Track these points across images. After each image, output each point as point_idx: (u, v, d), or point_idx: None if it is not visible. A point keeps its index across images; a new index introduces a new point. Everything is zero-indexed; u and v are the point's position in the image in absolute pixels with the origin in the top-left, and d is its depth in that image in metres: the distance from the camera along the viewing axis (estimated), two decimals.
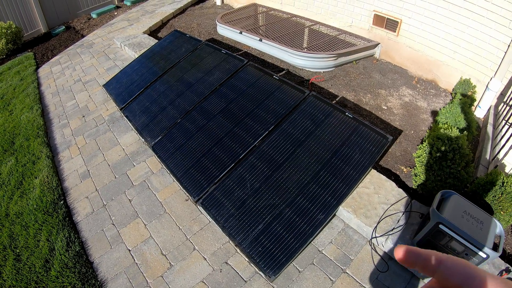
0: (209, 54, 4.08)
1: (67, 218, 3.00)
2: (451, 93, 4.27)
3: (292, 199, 2.53)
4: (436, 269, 0.37)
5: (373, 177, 2.78)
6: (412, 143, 3.44)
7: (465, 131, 3.10)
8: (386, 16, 4.68)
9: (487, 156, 3.34)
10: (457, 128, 3.22)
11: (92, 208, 3.04)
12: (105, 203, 3.05)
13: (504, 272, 2.19)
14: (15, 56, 6.64)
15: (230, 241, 2.57)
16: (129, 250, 2.64)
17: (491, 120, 3.80)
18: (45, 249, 2.81)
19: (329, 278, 2.31)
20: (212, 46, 4.22)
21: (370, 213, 2.53)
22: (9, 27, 6.46)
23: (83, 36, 6.79)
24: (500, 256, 2.36)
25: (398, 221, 2.48)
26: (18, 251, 2.89)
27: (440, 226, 2.05)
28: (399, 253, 0.40)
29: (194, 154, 3.03)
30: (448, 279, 0.35)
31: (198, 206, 2.83)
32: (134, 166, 3.34)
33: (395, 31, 4.67)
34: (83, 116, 4.21)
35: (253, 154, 2.84)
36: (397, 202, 2.61)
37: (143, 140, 3.58)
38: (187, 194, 2.92)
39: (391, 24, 4.69)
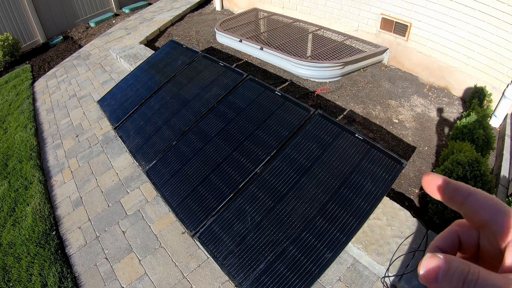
0: (206, 67, 3.86)
1: (59, 251, 2.84)
2: (466, 102, 3.99)
3: (297, 235, 2.31)
4: (465, 201, 0.34)
5: (386, 206, 2.54)
6: (426, 161, 3.18)
7: (486, 154, 2.85)
8: (395, 20, 4.40)
9: (506, 174, 3.08)
10: (476, 144, 2.96)
11: (85, 240, 2.86)
12: (98, 235, 2.87)
13: None
14: (13, 69, 6.52)
15: (230, 280, 2.37)
16: None
17: (508, 131, 3.52)
18: (37, 285, 2.68)
19: None
20: (210, 58, 3.99)
21: (382, 249, 2.30)
22: (6, 39, 6.33)
23: (80, 47, 6.63)
24: None
25: (413, 257, 2.25)
26: (11, 284, 2.76)
27: None
28: (426, 180, 0.37)
29: (190, 182, 2.82)
30: (476, 213, 0.33)
31: (195, 240, 2.62)
32: (128, 193, 3.14)
33: (404, 36, 4.39)
34: (77, 136, 4.03)
35: (254, 183, 2.62)
36: (412, 234, 2.37)
37: (137, 163, 3.38)
38: (184, 227, 2.72)
39: (400, 28, 4.41)
